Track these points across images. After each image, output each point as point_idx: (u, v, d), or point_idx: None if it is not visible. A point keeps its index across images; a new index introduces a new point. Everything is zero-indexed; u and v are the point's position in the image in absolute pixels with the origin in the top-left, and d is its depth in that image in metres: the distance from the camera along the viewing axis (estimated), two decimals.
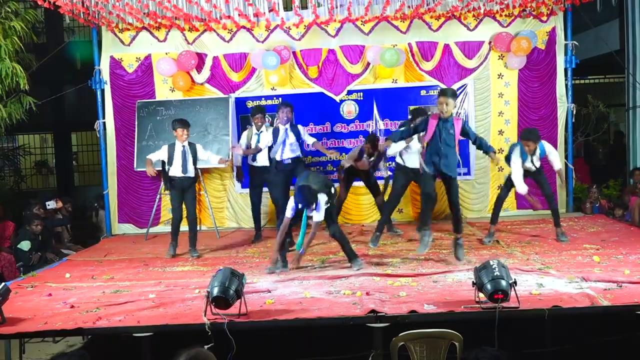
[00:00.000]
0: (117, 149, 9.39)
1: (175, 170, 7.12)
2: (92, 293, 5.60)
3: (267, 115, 8.39)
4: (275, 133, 7.62)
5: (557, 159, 7.19)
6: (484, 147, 6.32)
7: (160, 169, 7.31)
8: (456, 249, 6.24)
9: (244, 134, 8.06)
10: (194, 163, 7.18)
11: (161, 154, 7.19)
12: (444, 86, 9.11)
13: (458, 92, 9.14)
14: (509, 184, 7.19)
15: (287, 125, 7.63)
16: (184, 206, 7.34)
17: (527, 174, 7.03)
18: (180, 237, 7.33)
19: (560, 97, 9.11)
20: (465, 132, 6.14)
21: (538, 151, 7.01)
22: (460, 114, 9.13)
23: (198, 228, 7.75)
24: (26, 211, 8.04)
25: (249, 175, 8.30)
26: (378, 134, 8.60)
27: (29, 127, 9.99)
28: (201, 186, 8.79)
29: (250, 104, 9.23)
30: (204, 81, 9.29)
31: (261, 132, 7.79)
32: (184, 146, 7.10)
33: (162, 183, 8.97)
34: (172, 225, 7.31)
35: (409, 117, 7.96)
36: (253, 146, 7.83)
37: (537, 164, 7.09)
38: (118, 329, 4.58)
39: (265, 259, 6.85)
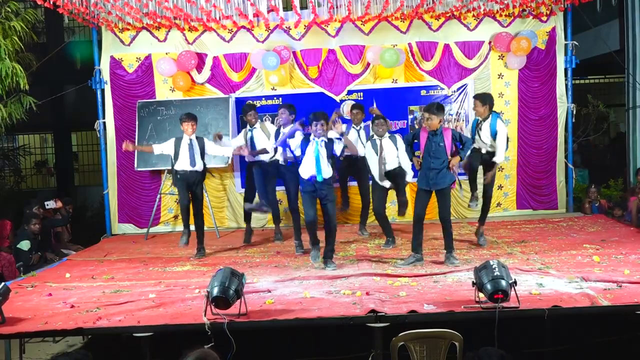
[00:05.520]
0: (117, 149, 9.38)
1: (181, 164, 7.05)
2: (92, 293, 5.59)
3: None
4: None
5: (501, 145, 6.50)
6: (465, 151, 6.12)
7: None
8: (449, 261, 6.08)
9: (242, 134, 7.79)
10: (202, 157, 7.12)
11: (167, 147, 7.12)
12: (444, 86, 9.15)
13: (458, 92, 9.18)
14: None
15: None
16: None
17: (479, 157, 6.71)
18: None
19: (560, 97, 9.11)
20: (456, 139, 6.06)
21: (488, 125, 6.58)
22: (460, 113, 9.14)
23: None
24: (25, 211, 8.04)
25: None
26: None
27: (29, 127, 9.99)
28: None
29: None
30: (204, 81, 9.29)
31: (254, 128, 7.54)
32: (190, 140, 7.06)
33: (162, 183, 9.02)
34: (181, 215, 7.32)
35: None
36: (248, 144, 7.58)
37: (487, 141, 6.60)
38: (118, 329, 4.58)
39: (265, 259, 6.85)
